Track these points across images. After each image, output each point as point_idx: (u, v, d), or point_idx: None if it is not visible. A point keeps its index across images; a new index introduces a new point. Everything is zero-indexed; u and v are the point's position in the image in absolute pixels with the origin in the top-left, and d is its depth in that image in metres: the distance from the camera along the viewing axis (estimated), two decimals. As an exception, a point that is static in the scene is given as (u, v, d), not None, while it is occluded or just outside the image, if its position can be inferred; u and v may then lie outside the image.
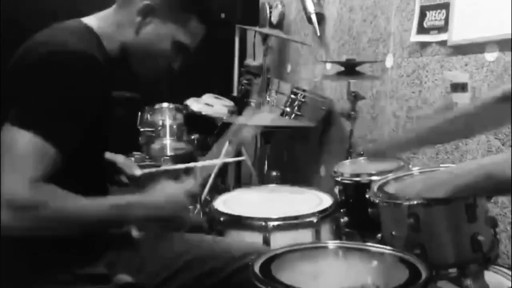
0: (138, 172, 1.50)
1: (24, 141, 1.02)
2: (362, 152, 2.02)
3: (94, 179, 1.27)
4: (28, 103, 1.07)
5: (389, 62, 2.37)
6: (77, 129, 1.10)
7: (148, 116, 2.97)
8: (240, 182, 3.56)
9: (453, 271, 1.21)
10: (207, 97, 3.14)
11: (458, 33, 1.94)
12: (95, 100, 1.14)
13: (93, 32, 1.23)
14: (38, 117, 1.06)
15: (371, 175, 1.67)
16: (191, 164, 1.56)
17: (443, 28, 2.01)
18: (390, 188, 1.38)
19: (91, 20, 1.26)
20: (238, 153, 3.30)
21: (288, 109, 2.70)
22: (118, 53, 1.27)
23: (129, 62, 1.30)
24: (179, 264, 1.26)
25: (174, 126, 2.96)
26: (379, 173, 1.64)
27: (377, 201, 1.33)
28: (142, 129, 2.96)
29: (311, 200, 1.66)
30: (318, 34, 2.86)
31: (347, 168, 1.89)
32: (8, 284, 1.14)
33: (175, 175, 1.49)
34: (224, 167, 3.28)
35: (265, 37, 2.66)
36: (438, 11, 2.04)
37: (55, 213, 1.05)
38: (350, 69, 2.13)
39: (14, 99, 1.08)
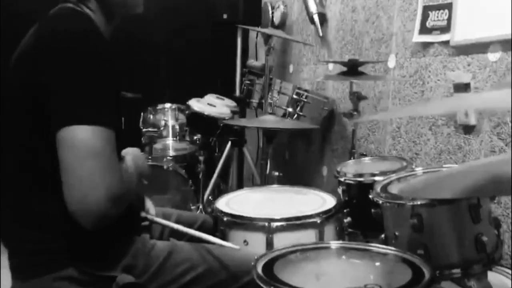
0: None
1: (101, 138, 1.06)
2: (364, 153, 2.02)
3: None
4: (87, 98, 1.07)
5: (391, 62, 2.36)
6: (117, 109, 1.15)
7: (151, 116, 2.98)
8: (242, 182, 3.56)
9: (456, 271, 1.20)
10: (209, 98, 3.15)
11: (460, 33, 1.93)
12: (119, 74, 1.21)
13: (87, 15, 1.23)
14: (103, 110, 1.08)
15: (374, 175, 1.67)
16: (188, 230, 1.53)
17: (446, 28, 2.00)
18: (394, 189, 1.38)
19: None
20: (241, 155, 3.32)
21: (290, 110, 2.71)
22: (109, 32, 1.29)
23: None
24: (192, 275, 1.28)
25: (177, 127, 2.96)
26: (382, 173, 1.64)
27: (380, 201, 1.32)
28: (144, 129, 2.96)
29: (315, 201, 1.65)
30: (320, 34, 2.85)
31: (350, 168, 1.88)
32: (27, 279, 1.16)
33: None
34: (226, 168, 3.28)
35: (267, 38, 2.66)
36: (441, 11, 2.03)
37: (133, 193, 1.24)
38: (352, 69, 2.12)
39: (60, 98, 1.07)
